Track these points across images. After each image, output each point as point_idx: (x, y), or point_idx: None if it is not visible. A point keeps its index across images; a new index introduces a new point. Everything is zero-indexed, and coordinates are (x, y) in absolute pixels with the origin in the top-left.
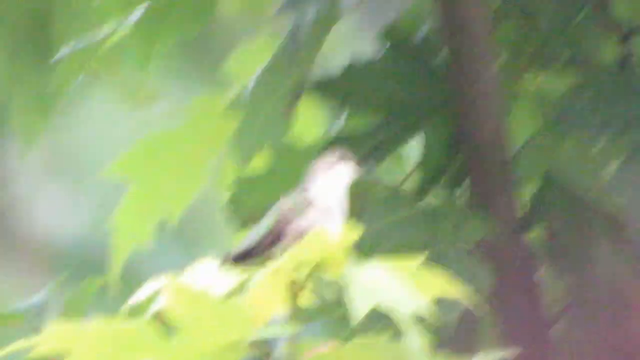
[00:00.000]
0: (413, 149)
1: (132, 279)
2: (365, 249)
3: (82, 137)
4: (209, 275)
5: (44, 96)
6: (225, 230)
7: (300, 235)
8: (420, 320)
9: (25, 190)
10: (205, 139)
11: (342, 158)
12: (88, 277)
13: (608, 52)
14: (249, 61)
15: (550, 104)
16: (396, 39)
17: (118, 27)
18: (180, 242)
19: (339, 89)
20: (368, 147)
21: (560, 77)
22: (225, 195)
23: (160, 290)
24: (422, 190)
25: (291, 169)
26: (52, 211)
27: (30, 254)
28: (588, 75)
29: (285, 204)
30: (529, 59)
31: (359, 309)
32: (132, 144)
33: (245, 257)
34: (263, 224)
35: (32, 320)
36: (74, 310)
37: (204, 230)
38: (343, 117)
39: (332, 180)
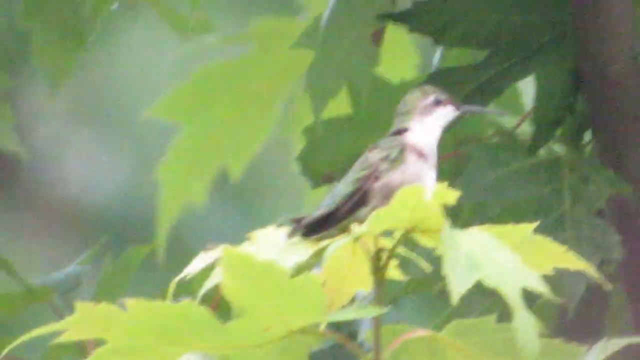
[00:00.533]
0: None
1: (182, 248)
2: (468, 209)
3: (119, 76)
4: (277, 245)
5: (72, 25)
6: (298, 189)
7: (390, 194)
8: (533, 298)
9: (51, 141)
10: (274, 73)
11: (439, 97)
12: (129, 244)
13: None
14: None
15: None
16: None
17: None
18: (241, 203)
19: (435, 17)
20: (471, 87)
21: None
22: (298, 145)
23: (216, 262)
24: (539, 139)
25: (379, 111)
26: (84, 165)
27: (60, 216)
28: None
29: (373, 155)
30: None
31: (460, 283)
32: (182, 80)
33: (323, 224)
34: (346, 181)
35: (65, 296)
36: (112, 285)
37: (270, 189)
38: (440, 51)
39: (430, 125)
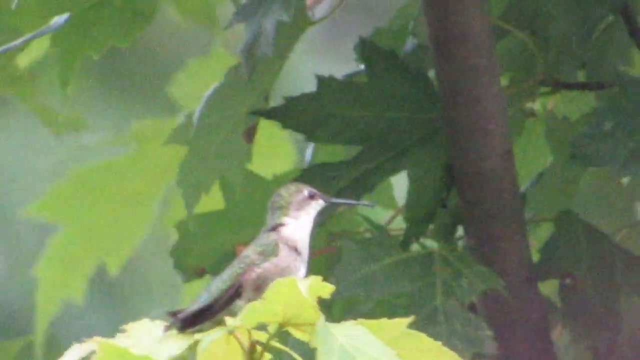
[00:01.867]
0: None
1: (56, 345)
2: (341, 304)
3: None
4: (151, 338)
5: None
6: (172, 283)
7: (263, 286)
8: None
9: None
10: (151, 172)
11: (312, 192)
12: (2, 339)
13: (636, 68)
14: (198, 82)
15: (565, 131)
16: (376, 53)
17: (36, 35)
18: (116, 300)
19: (306, 114)
20: (344, 182)
21: (577, 99)
22: (172, 240)
23: (90, 356)
24: (411, 234)
25: (252, 206)
26: None
27: None
28: (610, 97)
29: (249, 251)
30: (538, 78)
31: None
32: (60, 178)
33: (199, 318)
34: (223, 276)
35: None
36: None
37: (146, 285)
38: (312, 147)
39: (303, 219)
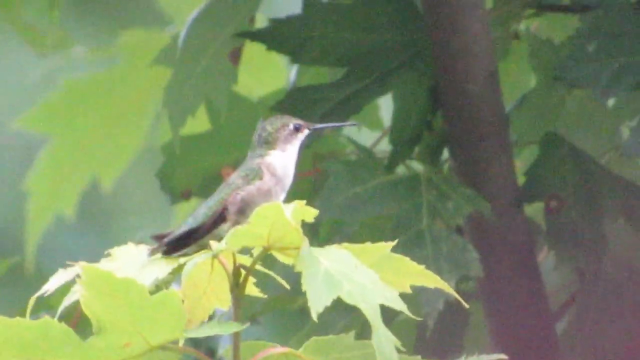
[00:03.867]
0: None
1: (40, 266)
2: (327, 225)
3: None
4: (136, 261)
5: None
6: (157, 205)
7: (247, 208)
8: (392, 315)
9: None
10: (143, 86)
11: (297, 124)
12: None
13: None
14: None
15: (550, 53)
16: None
17: None
18: (101, 221)
19: (292, 36)
20: (329, 105)
21: (561, 21)
22: (159, 161)
23: (74, 279)
24: (397, 156)
25: (237, 128)
26: None
27: None
28: (594, 19)
29: (234, 176)
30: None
31: (319, 301)
32: (51, 92)
33: (185, 242)
34: (208, 202)
35: None
36: None
37: (133, 206)
38: (296, 69)
39: (289, 151)
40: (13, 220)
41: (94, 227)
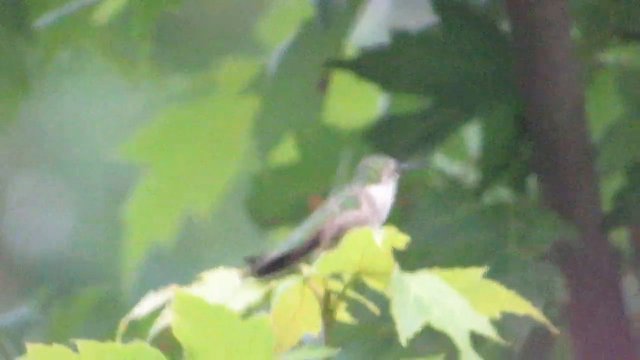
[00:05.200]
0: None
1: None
2: (415, 254)
3: (66, 121)
4: (226, 286)
5: (17, 73)
6: (249, 235)
7: (341, 235)
8: (480, 340)
9: None
10: (238, 114)
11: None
12: (74, 290)
13: None
14: (282, 27)
15: (636, 83)
16: (450, 5)
17: None
18: (188, 250)
19: (383, 66)
20: (417, 135)
21: None
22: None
23: (166, 303)
24: (485, 185)
25: (325, 158)
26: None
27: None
28: None
29: (331, 203)
30: (610, 29)
31: (409, 326)
32: (145, 123)
33: (276, 266)
34: (303, 227)
35: (15, 340)
36: (64, 328)
37: (222, 234)
38: (386, 99)
39: (389, 187)
40: (103, 249)
41: (187, 256)
